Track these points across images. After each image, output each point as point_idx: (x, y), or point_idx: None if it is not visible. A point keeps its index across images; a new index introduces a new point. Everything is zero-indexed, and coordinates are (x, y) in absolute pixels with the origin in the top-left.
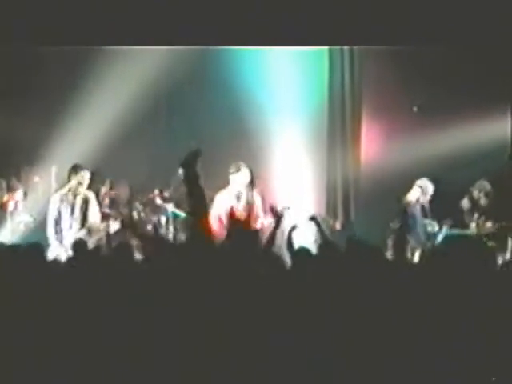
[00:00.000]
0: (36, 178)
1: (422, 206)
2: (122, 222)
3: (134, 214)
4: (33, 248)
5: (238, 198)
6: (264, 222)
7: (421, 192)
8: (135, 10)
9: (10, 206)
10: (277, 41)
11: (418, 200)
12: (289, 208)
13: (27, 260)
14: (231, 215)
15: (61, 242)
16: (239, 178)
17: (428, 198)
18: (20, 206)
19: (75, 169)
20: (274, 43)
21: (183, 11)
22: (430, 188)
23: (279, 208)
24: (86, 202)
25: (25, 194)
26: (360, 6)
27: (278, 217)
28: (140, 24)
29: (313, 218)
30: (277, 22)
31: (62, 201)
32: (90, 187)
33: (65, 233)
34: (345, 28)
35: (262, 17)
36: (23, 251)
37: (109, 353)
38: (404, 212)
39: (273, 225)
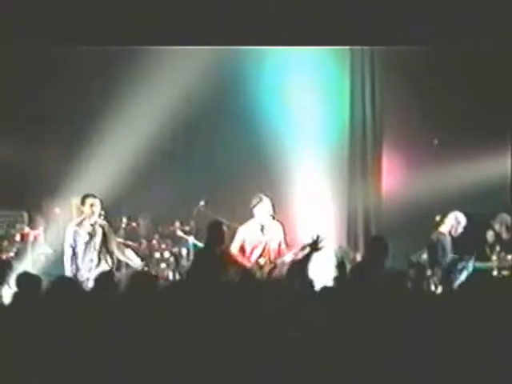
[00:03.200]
0: (57, 210)
1: (452, 239)
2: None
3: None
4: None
5: (264, 231)
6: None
7: (456, 223)
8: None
9: (31, 238)
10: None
11: (449, 232)
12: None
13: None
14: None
15: (77, 270)
16: (261, 210)
17: (460, 230)
18: (41, 237)
19: (88, 197)
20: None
21: (201, 11)
22: (463, 221)
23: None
24: (103, 230)
25: (45, 227)
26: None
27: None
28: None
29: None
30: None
31: (76, 229)
32: (106, 218)
33: (81, 262)
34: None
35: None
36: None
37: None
38: (434, 243)
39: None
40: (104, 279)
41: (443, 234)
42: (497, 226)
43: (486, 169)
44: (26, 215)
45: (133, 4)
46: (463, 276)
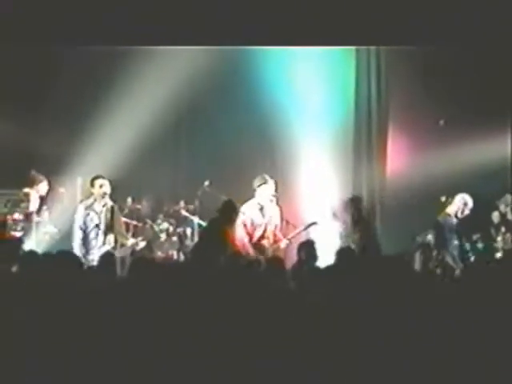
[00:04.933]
0: (61, 189)
1: (458, 220)
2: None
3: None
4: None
5: (263, 212)
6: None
7: (463, 206)
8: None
9: (35, 217)
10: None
11: (456, 214)
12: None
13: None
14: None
15: (87, 252)
16: (264, 191)
17: (467, 212)
18: (45, 216)
19: (97, 179)
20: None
21: (205, 10)
22: (470, 203)
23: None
24: (111, 212)
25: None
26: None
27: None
28: (159, 25)
29: None
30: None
31: (87, 211)
32: (112, 198)
33: (91, 243)
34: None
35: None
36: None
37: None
38: (441, 224)
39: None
40: (106, 260)
41: (449, 216)
42: (502, 207)
43: (489, 150)
44: (30, 193)
45: (135, 4)
46: (471, 257)
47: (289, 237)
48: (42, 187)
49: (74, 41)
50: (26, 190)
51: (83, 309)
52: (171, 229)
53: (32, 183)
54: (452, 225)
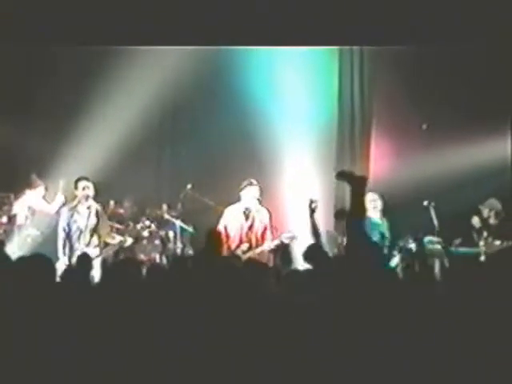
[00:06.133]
0: (44, 192)
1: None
2: (136, 239)
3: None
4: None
5: (246, 215)
6: (270, 242)
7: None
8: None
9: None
10: (286, 40)
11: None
12: (294, 237)
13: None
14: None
15: (70, 254)
16: (248, 195)
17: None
18: (28, 219)
19: (81, 181)
20: (284, 43)
21: (189, 10)
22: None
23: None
24: (96, 214)
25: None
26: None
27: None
28: (145, 25)
29: None
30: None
31: (71, 213)
32: (96, 201)
33: (75, 245)
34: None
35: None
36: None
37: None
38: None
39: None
40: (83, 261)
41: None
42: (485, 212)
43: (474, 153)
44: (12, 196)
45: (133, 4)
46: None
47: (265, 245)
48: (38, 192)
49: (58, 40)
50: (26, 191)
51: (57, 312)
52: (153, 227)
53: (30, 187)
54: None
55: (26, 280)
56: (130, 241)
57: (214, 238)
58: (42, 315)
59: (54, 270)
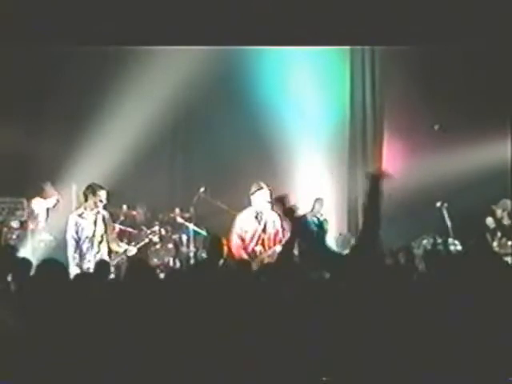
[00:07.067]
0: (57, 197)
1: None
2: (139, 249)
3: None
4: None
5: (258, 219)
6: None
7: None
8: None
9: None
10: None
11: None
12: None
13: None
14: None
15: (80, 261)
16: (259, 199)
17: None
18: (41, 224)
19: (92, 188)
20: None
21: (201, 11)
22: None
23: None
24: (103, 221)
25: (46, 214)
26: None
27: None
28: (156, 26)
29: None
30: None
31: (79, 220)
32: (105, 207)
33: (85, 252)
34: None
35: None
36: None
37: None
38: None
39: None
40: (101, 267)
41: None
42: (498, 212)
43: (487, 154)
44: (25, 202)
45: (146, 5)
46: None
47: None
48: (50, 201)
49: (68, 41)
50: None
51: (76, 316)
52: (163, 232)
53: (44, 196)
54: None
55: (45, 285)
56: (133, 250)
57: (221, 245)
58: (64, 319)
59: (68, 276)
